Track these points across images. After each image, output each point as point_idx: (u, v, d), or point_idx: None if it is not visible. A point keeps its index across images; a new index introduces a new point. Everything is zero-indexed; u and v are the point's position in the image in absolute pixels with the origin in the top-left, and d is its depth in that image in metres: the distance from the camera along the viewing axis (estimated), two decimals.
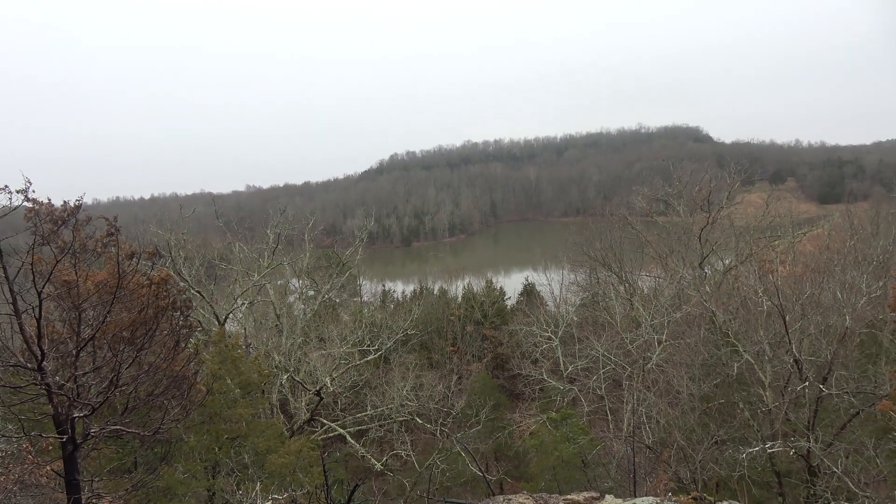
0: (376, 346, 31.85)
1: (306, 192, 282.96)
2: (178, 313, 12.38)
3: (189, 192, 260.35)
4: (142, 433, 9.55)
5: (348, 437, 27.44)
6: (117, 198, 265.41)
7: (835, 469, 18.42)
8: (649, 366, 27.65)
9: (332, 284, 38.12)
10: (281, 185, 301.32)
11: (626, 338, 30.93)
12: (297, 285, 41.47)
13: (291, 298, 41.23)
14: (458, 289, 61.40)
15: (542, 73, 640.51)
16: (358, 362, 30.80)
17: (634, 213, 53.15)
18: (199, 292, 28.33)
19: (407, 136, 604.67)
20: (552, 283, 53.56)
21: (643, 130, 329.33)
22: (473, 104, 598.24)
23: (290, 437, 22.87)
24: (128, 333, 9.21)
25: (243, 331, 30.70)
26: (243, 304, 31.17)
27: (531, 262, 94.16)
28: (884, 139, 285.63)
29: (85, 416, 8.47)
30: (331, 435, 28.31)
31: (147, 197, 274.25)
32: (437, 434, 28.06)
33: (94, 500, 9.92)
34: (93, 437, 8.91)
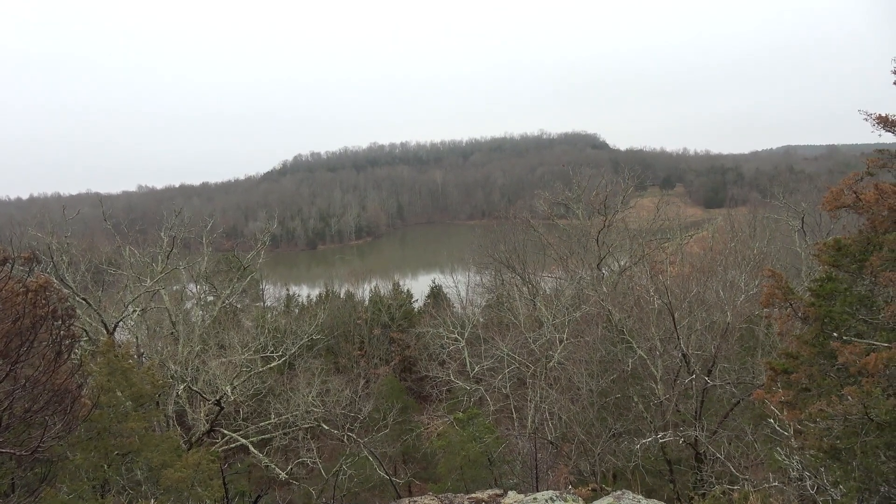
0: (280, 352, 30.97)
1: (205, 192, 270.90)
2: (60, 322, 11.46)
3: (74, 192, 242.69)
4: (19, 453, 8.78)
5: (251, 447, 26.47)
6: None
7: (718, 455, 19.81)
8: (551, 364, 28.56)
9: (232, 289, 36.68)
10: (177, 185, 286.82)
11: (530, 337, 31.80)
12: (194, 290, 39.61)
13: (189, 304, 39.34)
14: (365, 292, 60.84)
15: (449, 78, 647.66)
16: (261, 369, 29.80)
17: (537, 217, 54.91)
18: (84, 299, 26.41)
19: (311, 137, 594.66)
20: (459, 285, 54.26)
21: (545, 136, 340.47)
22: (381, 106, 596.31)
23: (188, 449, 21.77)
24: (1, 346, 8.43)
25: (135, 340, 28.93)
26: (135, 311, 29.37)
27: (438, 264, 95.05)
28: (760, 149, 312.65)
29: None
30: (232, 445, 27.21)
31: (25, 197, 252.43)
32: (345, 440, 27.65)
33: None
34: None
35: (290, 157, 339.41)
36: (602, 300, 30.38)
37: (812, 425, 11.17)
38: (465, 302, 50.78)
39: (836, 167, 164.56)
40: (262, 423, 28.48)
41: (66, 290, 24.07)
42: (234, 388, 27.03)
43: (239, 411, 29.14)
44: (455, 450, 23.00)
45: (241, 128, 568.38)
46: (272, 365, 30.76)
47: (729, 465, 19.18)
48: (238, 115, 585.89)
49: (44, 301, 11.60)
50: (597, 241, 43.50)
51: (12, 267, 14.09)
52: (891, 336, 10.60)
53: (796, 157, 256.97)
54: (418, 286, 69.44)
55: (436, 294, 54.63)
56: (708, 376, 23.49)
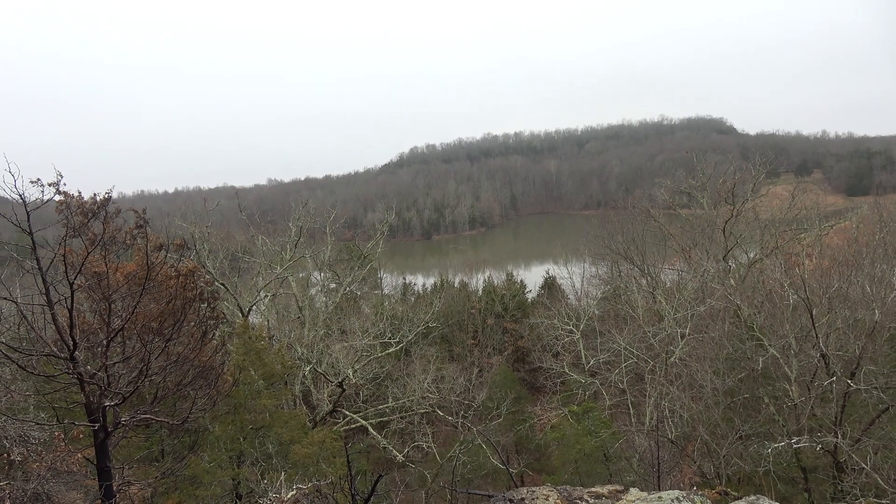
0: (397, 339, 31.97)
1: (327, 185, 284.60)
2: (205, 304, 12.52)
3: (212, 186, 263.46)
4: (170, 422, 9.70)
5: (370, 429, 27.63)
6: (142, 191, 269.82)
7: (863, 465, 18.12)
8: (672, 359, 27.40)
9: (353, 277, 38.31)
10: (302, 178, 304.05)
11: (649, 331, 30.66)
12: (318, 278, 41.71)
13: (313, 291, 41.47)
14: (478, 282, 61.28)
15: (564, 65, 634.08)
16: (379, 354, 30.94)
17: (657, 206, 52.58)
18: (223, 284, 28.65)
19: (427, 129, 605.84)
20: (573, 276, 53.21)
21: (665, 122, 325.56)
22: (496, 97, 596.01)
23: (313, 428, 23.10)
24: (156, 324, 9.34)
25: (266, 323, 31.02)
26: (266, 296, 31.47)
27: (552, 255, 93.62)
28: None
29: (115, 405, 8.62)
30: (353, 426, 28.51)
31: (171, 191, 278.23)
32: (459, 426, 28.12)
33: (124, 487, 10.11)
34: (123, 425, 9.07)
35: (406, 150, 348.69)
36: (729, 294, 28.67)
37: None
38: (580, 293, 49.79)
39: None
40: (381, 407, 29.59)
41: (208, 276, 26.21)
42: (355, 371, 28.27)
43: (359, 394, 30.42)
44: (570, 443, 22.74)
45: (361, 123, 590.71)
46: (390, 351, 31.81)
47: (876, 476, 17.53)
48: (358, 110, 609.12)
49: (192, 284, 12.70)
50: (723, 231, 41.01)
51: (167, 253, 15.55)
52: None
53: None
54: (532, 277, 68.94)
55: (550, 285, 53.98)
56: (851, 379, 21.49)
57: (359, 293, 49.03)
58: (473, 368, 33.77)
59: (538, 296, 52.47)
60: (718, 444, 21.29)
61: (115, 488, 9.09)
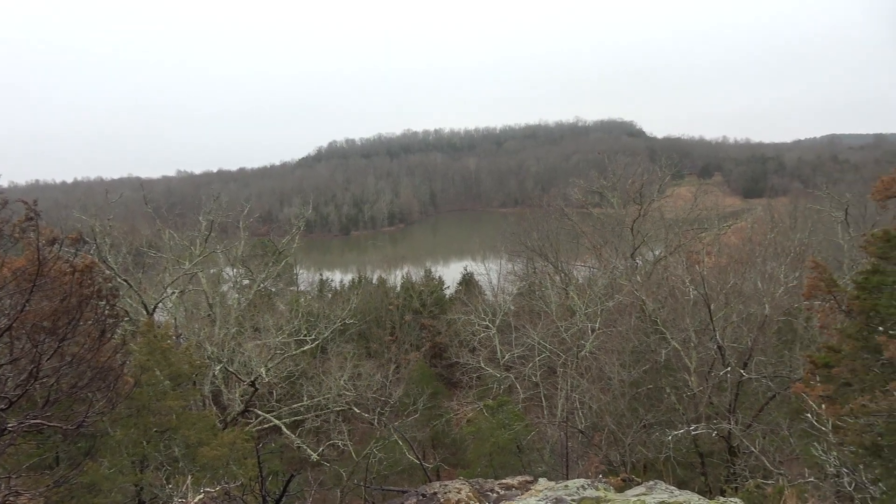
0: (313, 336, 31.40)
1: (241, 178, 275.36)
2: (104, 302, 11.81)
3: (116, 177, 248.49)
4: (64, 427, 9.08)
5: (284, 428, 27.00)
6: (37, 181, 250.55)
7: (752, 449, 19.48)
8: (583, 353, 28.39)
9: (267, 273, 37.26)
10: (214, 170, 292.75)
11: (561, 326, 31.63)
12: (231, 274, 40.35)
13: (225, 287, 40.09)
14: (397, 278, 61.18)
15: (484, 65, 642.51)
16: (294, 352, 30.28)
17: (571, 205, 54.32)
18: (126, 281, 27.15)
19: (346, 123, 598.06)
20: (490, 272, 54.11)
21: (580, 124, 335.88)
22: (416, 94, 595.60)
23: (224, 429, 22.33)
24: (49, 323, 8.72)
25: (173, 321, 29.65)
26: (173, 293, 30.08)
27: (470, 251, 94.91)
28: (803, 137, 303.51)
29: (1, 409, 8.00)
30: (266, 426, 27.78)
31: (70, 181, 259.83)
32: (375, 423, 28.01)
33: (11, 498, 9.39)
34: (10, 431, 8.42)
35: (324, 144, 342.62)
36: (636, 290, 30.01)
37: (853, 421, 10.88)
38: (496, 290, 50.67)
39: (883, 157, 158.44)
40: (295, 405, 29.00)
41: (109, 272, 24.75)
42: (269, 370, 27.54)
43: (272, 393, 29.69)
44: (484, 436, 23.11)
45: (278, 115, 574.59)
46: (305, 348, 31.22)
47: (763, 459, 18.87)
48: (275, 103, 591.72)
49: (89, 281, 11.96)
50: (631, 230, 42.93)
51: (60, 248, 14.55)
52: None
53: (841, 147, 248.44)
54: (450, 273, 69.55)
55: (467, 281, 54.67)
56: (743, 369, 23.07)
57: (273, 290, 47.79)
58: (391, 365, 33.68)
59: (456, 292, 53.00)
60: (624, 434, 22.28)
61: (1, 500, 8.43)
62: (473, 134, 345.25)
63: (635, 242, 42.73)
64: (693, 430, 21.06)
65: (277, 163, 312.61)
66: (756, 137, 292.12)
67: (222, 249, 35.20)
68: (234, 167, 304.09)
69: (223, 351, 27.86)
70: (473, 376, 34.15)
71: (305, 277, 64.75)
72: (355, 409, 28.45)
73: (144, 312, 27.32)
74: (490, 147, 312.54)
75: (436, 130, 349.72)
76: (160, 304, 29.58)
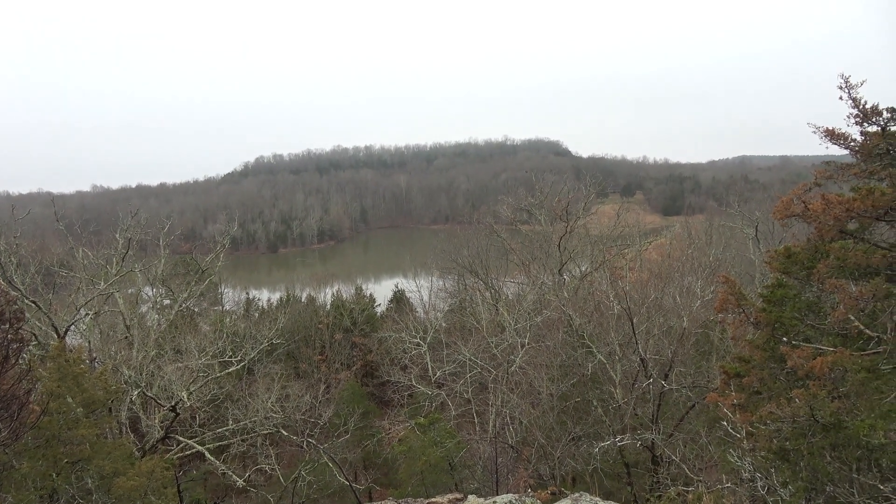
0: (239, 357, 30.43)
1: (162, 193, 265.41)
2: (7, 326, 11.03)
3: (24, 191, 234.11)
4: None
5: (207, 454, 25.91)
6: None
7: (674, 457, 20.22)
8: (513, 368, 28.77)
9: (190, 293, 35.92)
10: (133, 185, 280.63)
11: (492, 342, 31.98)
12: (150, 294, 38.66)
13: (144, 308, 38.37)
14: (326, 296, 60.28)
15: (413, 83, 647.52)
16: (218, 374, 29.23)
17: (500, 222, 55.35)
18: (34, 302, 25.51)
19: (274, 138, 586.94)
20: (422, 289, 54.19)
21: (509, 142, 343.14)
22: (346, 109, 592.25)
23: (142, 457, 21.23)
24: None
25: (87, 344, 28.09)
26: (87, 314, 28.51)
27: (401, 269, 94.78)
28: (717, 158, 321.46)
29: None
30: (188, 453, 26.59)
31: None
32: (304, 445, 27.32)
33: None
34: None
35: (251, 159, 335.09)
36: (563, 305, 30.76)
37: (762, 427, 11.51)
38: (427, 307, 50.77)
39: (788, 177, 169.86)
40: (220, 430, 27.94)
41: (14, 293, 23.20)
42: (191, 393, 26.47)
43: (195, 417, 28.54)
44: (416, 455, 22.99)
45: (203, 129, 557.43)
46: (230, 370, 30.21)
47: (684, 467, 19.61)
48: (200, 117, 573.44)
49: None
50: (559, 246, 44.05)
51: None
52: (836, 340, 11.02)
53: (751, 167, 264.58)
54: (381, 290, 69.17)
55: (399, 299, 54.47)
56: (665, 380, 24.00)
57: (196, 310, 46.10)
58: (320, 385, 33.07)
59: (387, 309, 52.72)
60: (553, 447, 22.68)
61: None
62: (404, 151, 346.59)
63: (562, 259, 43.87)
64: (619, 441, 21.71)
65: (201, 178, 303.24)
66: (674, 158, 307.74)
67: (141, 268, 33.69)
68: (154, 182, 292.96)
69: (141, 375, 26.58)
70: (405, 394, 33.98)
71: (231, 296, 62.94)
72: (283, 432, 27.68)
73: (55, 335, 25.73)
74: (420, 164, 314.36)
75: (366, 147, 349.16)
76: (73, 327, 27.96)
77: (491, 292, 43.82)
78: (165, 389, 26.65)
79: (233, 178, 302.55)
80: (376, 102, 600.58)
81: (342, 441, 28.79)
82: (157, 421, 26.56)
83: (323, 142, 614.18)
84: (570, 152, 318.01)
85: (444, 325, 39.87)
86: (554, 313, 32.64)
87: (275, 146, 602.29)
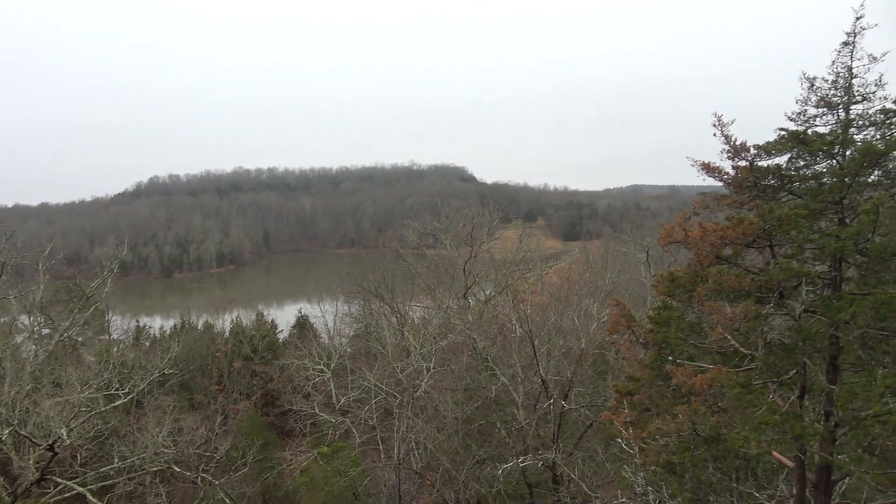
0: (127, 389, 28.53)
1: (44, 214, 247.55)
2: None
3: None
4: None
5: (89, 496, 23.92)
6: None
7: (573, 476, 20.92)
8: (418, 393, 28.76)
9: (73, 321, 33.39)
10: (10, 205, 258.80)
11: (397, 367, 31.85)
12: (27, 323, 35.63)
13: (19, 338, 35.29)
14: (225, 323, 57.88)
15: (321, 105, 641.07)
16: (103, 408, 27.24)
17: (406, 246, 55.62)
18: None
19: (171, 158, 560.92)
20: (326, 314, 53.18)
21: (415, 167, 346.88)
22: (248, 130, 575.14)
23: (13, 502, 19.37)
24: None
25: None
26: None
27: (305, 293, 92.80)
28: (612, 186, 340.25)
29: None
30: (67, 495, 24.48)
31: None
32: (198, 482, 25.89)
33: None
34: None
35: (145, 179, 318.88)
36: (468, 329, 31.24)
37: (652, 442, 12.18)
38: (332, 332, 49.86)
39: (675, 205, 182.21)
40: (104, 469, 25.95)
41: None
42: (71, 430, 24.47)
43: (76, 457, 26.45)
44: (318, 485, 22.44)
45: (91, 145, 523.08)
46: (117, 403, 28.24)
47: (583, 484, 20.33)
48: (87, 132, 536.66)
49: None
50: (464, 271, 44.76)
51: None
52: (715, 358, 11.90)
53: (643, 196, 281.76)
54: (284, 316, 67.36)
55: (302, 324, 53.20)
56: (565, 400, 24.85)
57: (80, 339, 42.91)
58: (217, 416, 31.57)
59: (290, 335, 51.34)
60: (458, 471, 22.82)
61: None
62: (309, 174, 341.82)
63: (467, 283, 44.57)
64: (521, 462, 22.19)
65: (89, 198, 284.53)
66: (573, 185, 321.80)
67: (16, 295, 31.03)
68: (34, 202, 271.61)
69: (14, 412, 24.32)
70: (308, 423, 33.05)
71: (119, 324, 59.16)
72: (175, 468, 26.11)
73: None
74: (326, 187, 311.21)
75: (269, 169, 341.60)
76: None
77: (397, 317, 43.73)
78: (42, 427, 24.50)
79: (124, 199, 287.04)
80: (281, 125, 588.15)
81: (240, 475, 27.57)
82: (31, 462, 24.33)
83: (224, 163, 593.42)
84: (475, 178, 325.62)
85: (348, 350, 39.25)
86: (459, 337, 33.05)
87: (171, 167, 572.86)
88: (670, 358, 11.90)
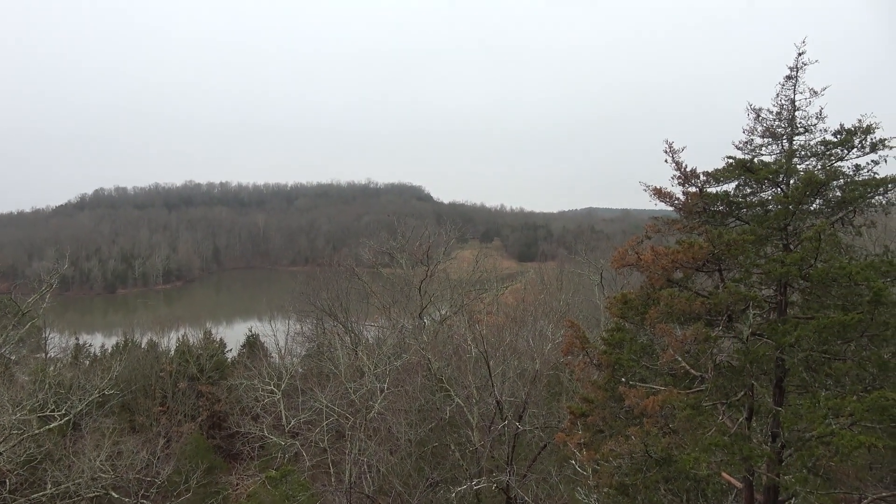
0: (63, 411, 27.20)
1: None
2: None
3: None
4: None
5: None
6: None
7: (527, 499, 20.84)
8: (371, 414, 28.30)
9: (6, 338, 31.75)
10: None
11: (350, 387, 31.29)
12: None
13: None
14: (171, 341, 55.95)
15: (278, 121, 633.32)
16: (37, 431, 25.87)
17: (362, 265, 55.10)
18: None
19: (118, 170, 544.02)
20: (277, 333, 52.01)
21: (372, 185, 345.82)
22: (199, 143, 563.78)
23: None
24: None
25: None
26: None
27: (256, 311, 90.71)
28: (567, 209, 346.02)
29: None
30: None
31: None
32: None
33: None
34: None
35: (89, 191, 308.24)
36: (423, 349, 31.00)
37: (605, 464, 12.22)
38: (283, 351, 48.78)
39: (628, 228, 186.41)
40: (35, 495, 24.61)
41: None
42: (1, 454, 23.16)
43: (5, 482, 24.99)
44: None
45: (32, 153, 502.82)
46: (52, 426, 26.88)
47: None
48: (28, 137, 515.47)
49: None
50: (419, 290, 44.59)
51: None
52: (667, 380, 12.07)
53: (597, 218, 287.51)
54: (233, 335, 65.61)
55: (252, 343, 51.88)
56: (519, 421, 24.80)
57: (13, 357, 40.81)
58: (159, 439, 30.33)
59: (239, 355, 49.96)
60: (410, 494, 22.45)
61: None
62: (263, 189, 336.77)
63: (423, 302, 44.39)
64: (475, 485, 21.98)
65: (27, 209, 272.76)
66: (528, 207, 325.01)
67: None
68: None
69: None
70: (256, 446, 32.07)
71: (57, 342, 56.49)
72: (114, 494, 24.98)
73: None
74: (280, 204, 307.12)
75: (221, 183, 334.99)
76: None
77: (350, 336, 43.13)
78: None
79: (66, 211, 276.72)
80: (234, 139, 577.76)
81: (182, 500, 26.58)
82: None
83: (174, 177, 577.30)
84: (431, 198, 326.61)
85: (300, 370, 38.45)
86: (414, 357, 32.75)
87: (118, 178, 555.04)
88: (623, 379, 12.03)
